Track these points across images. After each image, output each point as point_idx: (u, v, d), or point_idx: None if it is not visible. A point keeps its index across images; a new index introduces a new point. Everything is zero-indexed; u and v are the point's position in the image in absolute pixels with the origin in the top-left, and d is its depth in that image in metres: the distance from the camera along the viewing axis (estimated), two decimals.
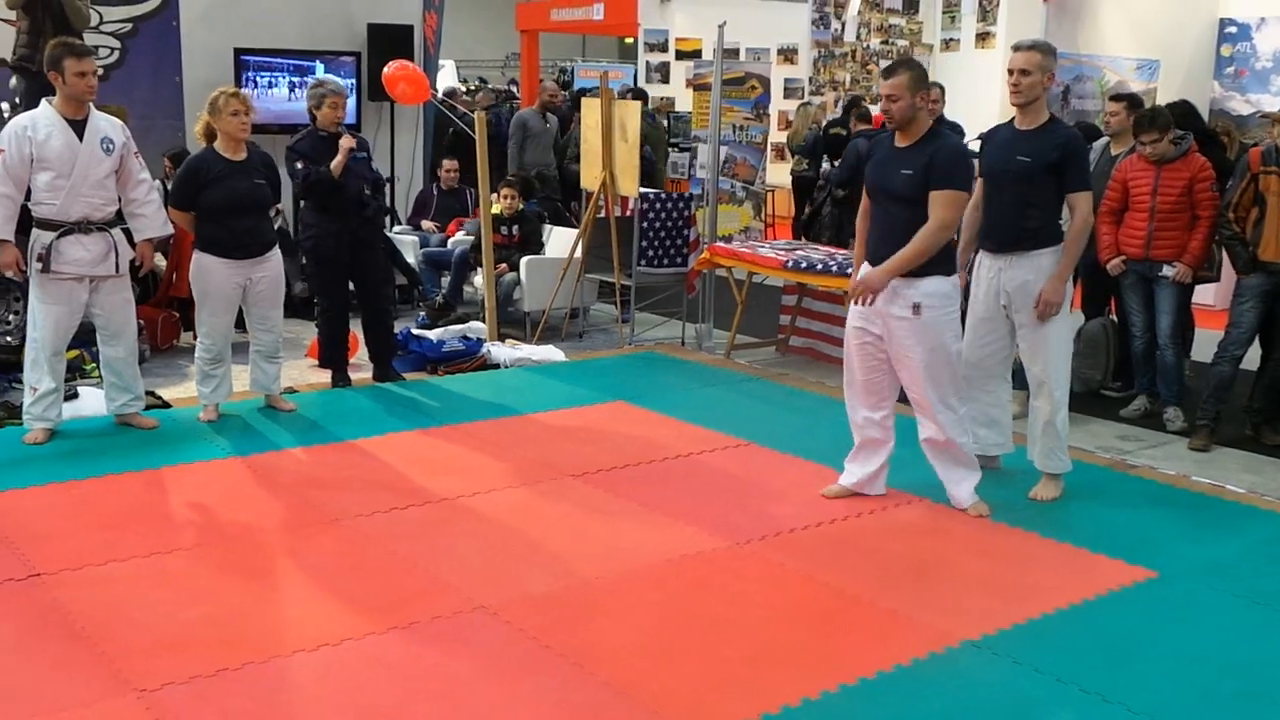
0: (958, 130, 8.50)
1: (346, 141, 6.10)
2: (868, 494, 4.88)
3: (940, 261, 4.52)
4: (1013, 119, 4.89)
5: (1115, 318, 6.93)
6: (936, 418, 4.64)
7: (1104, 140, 6.99)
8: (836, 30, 12.58)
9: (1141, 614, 3.88)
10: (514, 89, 19.68)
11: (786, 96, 13.81)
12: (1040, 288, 4.75)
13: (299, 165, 6.10)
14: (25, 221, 5.25)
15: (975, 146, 8.96)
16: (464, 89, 17.84)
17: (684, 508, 4.74)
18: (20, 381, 6.36)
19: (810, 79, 12.60)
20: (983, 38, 12.81)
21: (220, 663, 3.34)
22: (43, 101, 5.21)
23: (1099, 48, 13.70)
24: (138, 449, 5.36)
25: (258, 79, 9.25)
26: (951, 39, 13.10)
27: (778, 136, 12.95)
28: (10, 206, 5.12)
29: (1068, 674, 3.43)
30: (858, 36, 12.77)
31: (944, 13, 13.09)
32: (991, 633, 3.68)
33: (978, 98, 11.73)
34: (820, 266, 7.05)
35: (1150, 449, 5.97)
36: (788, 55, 14.39)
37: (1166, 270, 6.17)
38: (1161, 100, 10.56)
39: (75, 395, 5.91)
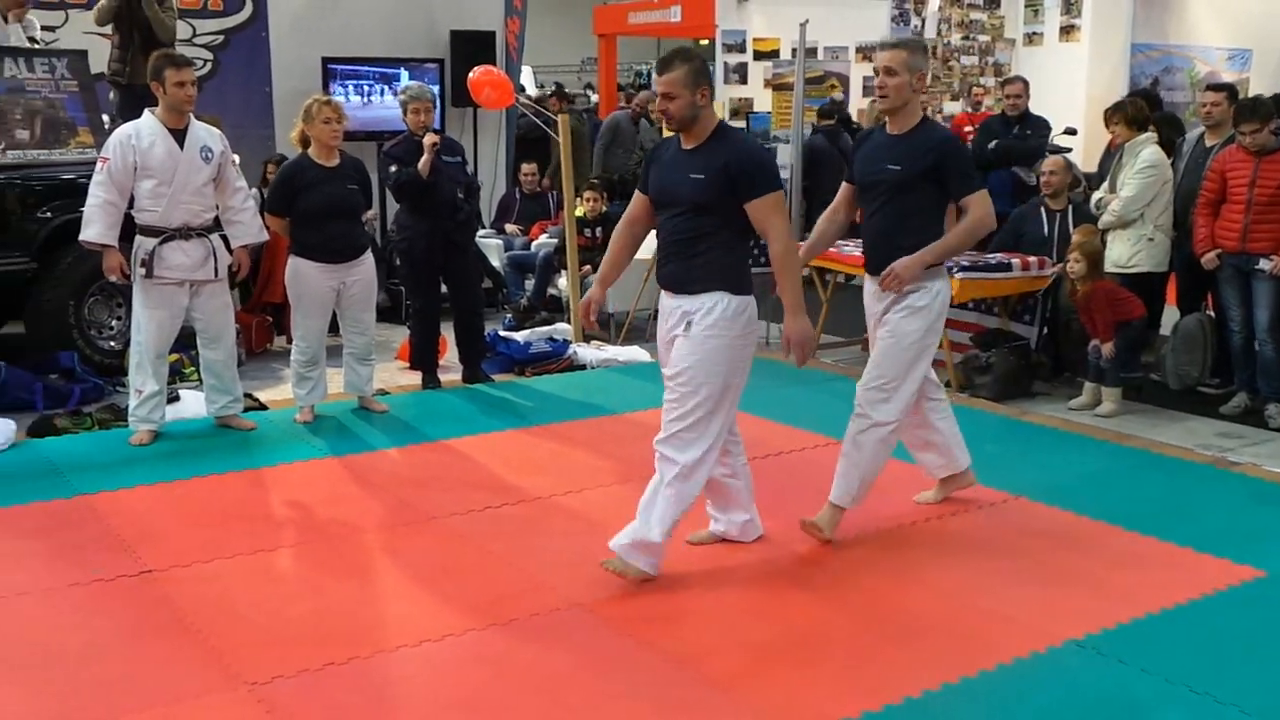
0: (1044, 127, 8.41)
1: (430, 139, 6.19)
2: (740, 540, 4.30)
3: (722, 276, 3.90)
4: (885, 123, 4.35)
5: (1212, 313, 6.78)
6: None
7: (1197, 132, 6.86)
8: (916, 27, 12.44)
9: (1251, 614, 3.79)
10: (590, 93, 19.78)
11: (865, 94, 13.70)
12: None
13: (392, 168, 6.21)
14: (129, 228, 5.41)
15: (1065, 141, 8.89)
16: (540, 93, 17.95)
17: (775, 506, 4.71)
18: (124, 385, 6.55)
19: None
20: (1067, 31, 12.60)
21: (326, 657, 3.40)
22: (146, 112, 5.36)
23: (1188, 38, 13.38)
24: (238, 450, 5.49)
25: (345, 87, 9.41)
26: (1035, 33, 12.89)
27: None
28: (115, 214, 5.28)
29: (1176, 674, 3.37)
30: (938, 32, 12.62)
31: (1027, 6, 12.90)
32: (1095, 632, 3.62)
33: (1062, 93, 11.54)
34: None
35: (1252, 446, 5.82)
36: (866, 53, 14.27)
37: (1263, 264, 6.03)
38: (1254, 91, 10.30)
39: (176, 398, 6.06)
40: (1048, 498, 4.78)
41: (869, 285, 4.45)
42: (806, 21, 7.90)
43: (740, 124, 11.69)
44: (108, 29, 7.78)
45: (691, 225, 3.88)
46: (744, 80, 14.69)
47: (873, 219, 4.34)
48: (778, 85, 11.95)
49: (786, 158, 8.55)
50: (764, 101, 13.27)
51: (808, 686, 3.31)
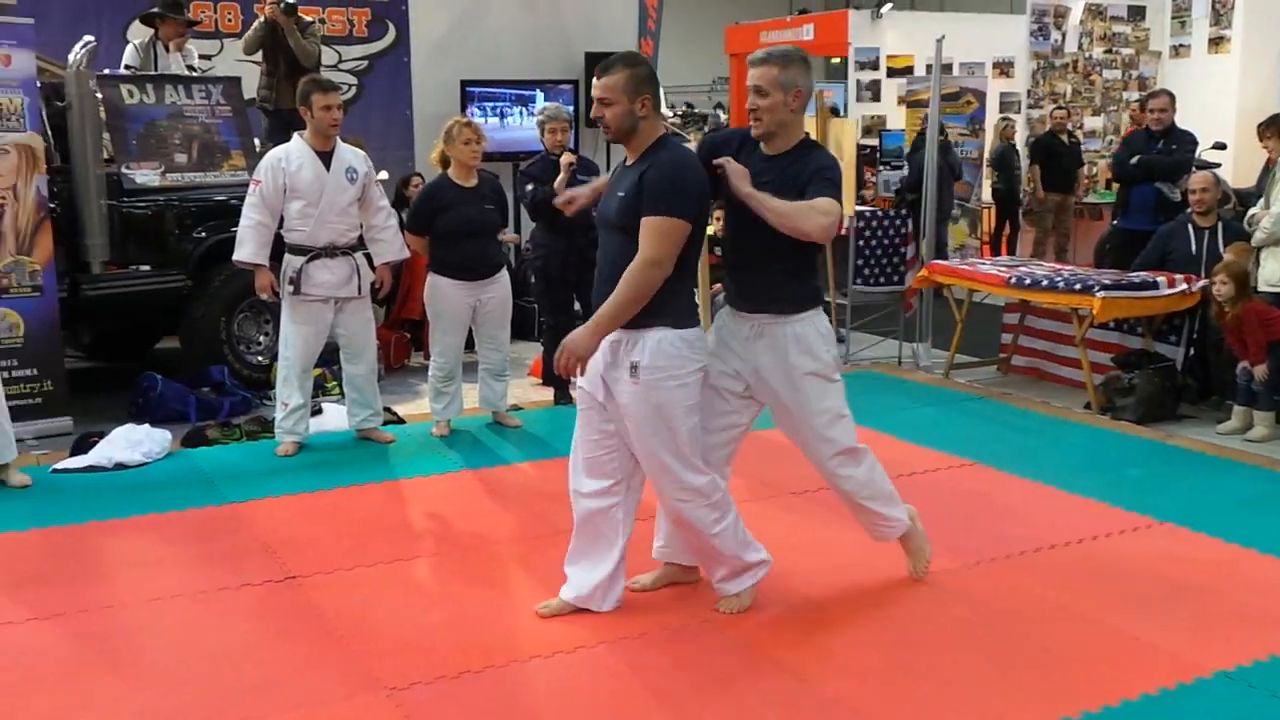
0: (1190, 141, 8.14)
1: (566, 159, 6.29)
2: (596, 610, 3.83)
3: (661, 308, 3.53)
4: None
5: None
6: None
7: None
8: (1057, 41, 12.17)
9: None
10: (720, 113, 19.82)
11: (1002, 110, 13.46)
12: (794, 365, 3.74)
13: (528, 187, 6.34)
14: (277, 248, 5.63)
15: (1213, 156, 8.58)
16: (672, 114, 18.08)
17: None
18: (270, 398, 6.80)
19: (1029, 91, 12.24)
20: (1216, 43, 12.16)
21: (462, 665, 3.47)
22: (295, 135, 5.58)
23: None
24: (377, 462, 5.65)
25: (482, 108, 9.63)
26: (1181, 45, 12.48)
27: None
28: (266, 234, 5.50)
29: None
30: (1079, 46, 12.33)
31: (1173, 18, 12.50)
32: (1246, 664, 3.49)
33: (1210, 107, 11.15)
34: (1045, 283, 6.83)
35: None
36: (1003, 68, 14.03)
37: None
38: None
39: (319, 411, 6.26)
40: (1194, 524, 4.62)
41: (735, 321, 3.90)
42: (943, 37, 7.80)
43: (873, 142, 11.61)
44: (256, 56, 8.11)
45: (620, 248, 3.51)
46: (876, 98, 14.60)
47: (739, 242, 3.85)
48: (911, 102, 11.82)
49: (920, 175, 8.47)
50: (897, 119, 13.15)
51: (938, 710, 3.26)
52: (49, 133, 6.28)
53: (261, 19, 7.94)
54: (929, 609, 3.93)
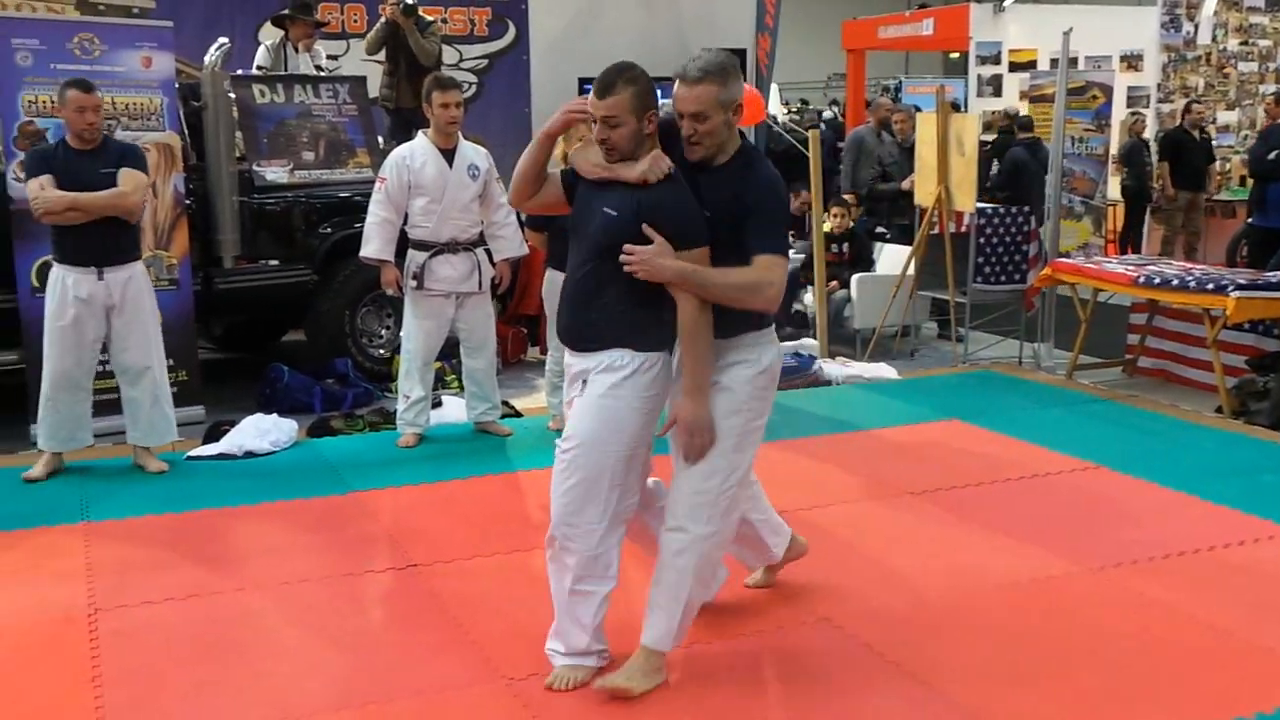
0: None
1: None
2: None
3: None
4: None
5: None
6: None
7: None
8: (1189, 33, 11.79)
9: None
10: (835, 109, 19.64)
11: (1129, 105, 13.09)
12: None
13: None
14: (401, 244, 5.75)
15: None
16: (785, 111, 17.96)
17: (1030, 530, 4.58)
18: (391, 390, 6.96)
19: (1159, 85, 11.88)
20: None
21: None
22: (419, 133, 5.69)
23: None
24: (496, 454, 5.74)
25: None
26: None
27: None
28: (391, 230, 5.63)
29: None
30: (1213, 39, 11.92)
31: None
32: None
33: None
34: (1176, 283, 6.63)
35: None
36: (1131, 62, 13.64)
37: None
38: None
39: (439, 403, 6.38)
40: None
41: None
42: (1070, 30, 7.62)
43: (991, 138, 11.39)
44: (379, 55, 8.30)
45: (609, 273, 3.17)
46: (998, 93, 14.31)
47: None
48: (1035, 97, 11.56)
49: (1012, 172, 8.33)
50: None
51: (1064, 718, 3.20)
52: (186, 132, 6.51)
53: (383, 20, 8.12)
54: (1053, 614, 3.85)
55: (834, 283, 8.20)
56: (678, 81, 3.15)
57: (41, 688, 3.41)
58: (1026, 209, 8.16)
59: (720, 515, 3.32)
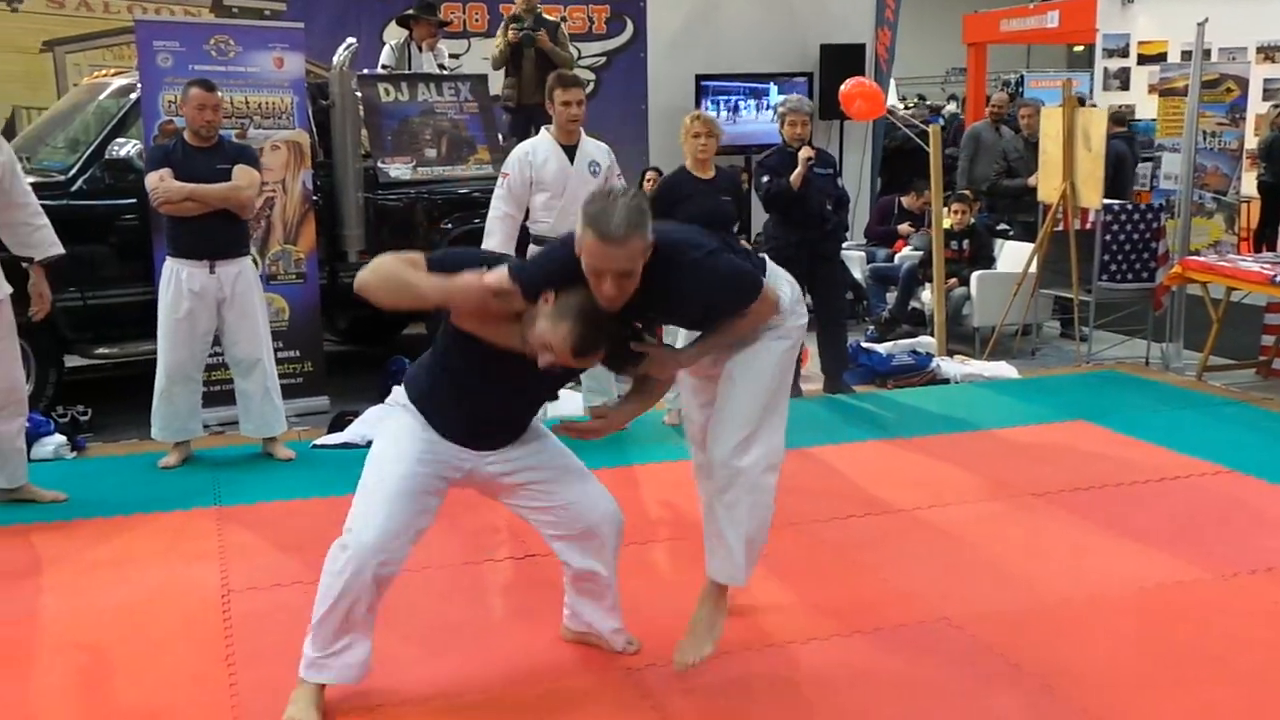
0: None
1: (804, 153, 6.28)
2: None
3: None
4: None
5: None
6: None
7: None
8: None
9: None
10: (955, 104, 19.31)
11: (1266, 98, 12.62)
12: None
13: (764, 179, 6.36)
14: (521, 239, 5.83)
15: None
16: (902, 106, 17.71)
17: (1159, 534, 4.46)
18: None
19: None
20: None
21: None
22: (542, 129, 5.77)
23: None
24: (611, 447, 5.75)
25: (715, 103, 9.71)
26: None
27: (1254, 143, 11.88)
28: (513, 225, 5.71)
29: None
30: None
31: None
32: None
33: None
34: None
35: None
36: (1269, 53, 13.14)
37: None
38: None
39: (555, 396, 6.44)
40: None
41: None
42: (1205, 21, 7.38)
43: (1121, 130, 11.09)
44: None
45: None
46: (1125, 86, 13.94)
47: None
48: (1164, 90, 11.20)
49: (1174, 167, 8.03)
50: (1146, 108, 12.50)
51: None
52: (314, 130, 6.69)
53: (505, 40, 8.20)
54: (1182, 621, 3.75)
55: (953, 280, 8.08)
56: (597, 238, 2.80)
57: (178, 666, 3.54)
58: (1156, 206, 7.93)
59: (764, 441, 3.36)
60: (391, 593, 3.87)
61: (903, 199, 9.73)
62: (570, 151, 5.66)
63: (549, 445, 3.42)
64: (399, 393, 3.28)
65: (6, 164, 4.59)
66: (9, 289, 4.65)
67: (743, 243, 8.17)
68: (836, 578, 4.12)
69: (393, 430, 3.26)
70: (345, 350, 8.30)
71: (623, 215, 2.81)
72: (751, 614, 3.80)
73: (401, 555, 3.14)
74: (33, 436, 5.32)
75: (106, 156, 6.16)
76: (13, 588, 4.08)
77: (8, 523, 4.69)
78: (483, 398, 3.15)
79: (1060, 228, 7.78)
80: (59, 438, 5.65)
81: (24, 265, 4.78)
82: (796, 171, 6.23)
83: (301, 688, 3.18)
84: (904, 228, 9.52)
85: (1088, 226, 7.83)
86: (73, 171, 6.14)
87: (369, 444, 5.68)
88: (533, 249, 5.73)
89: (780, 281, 3.33)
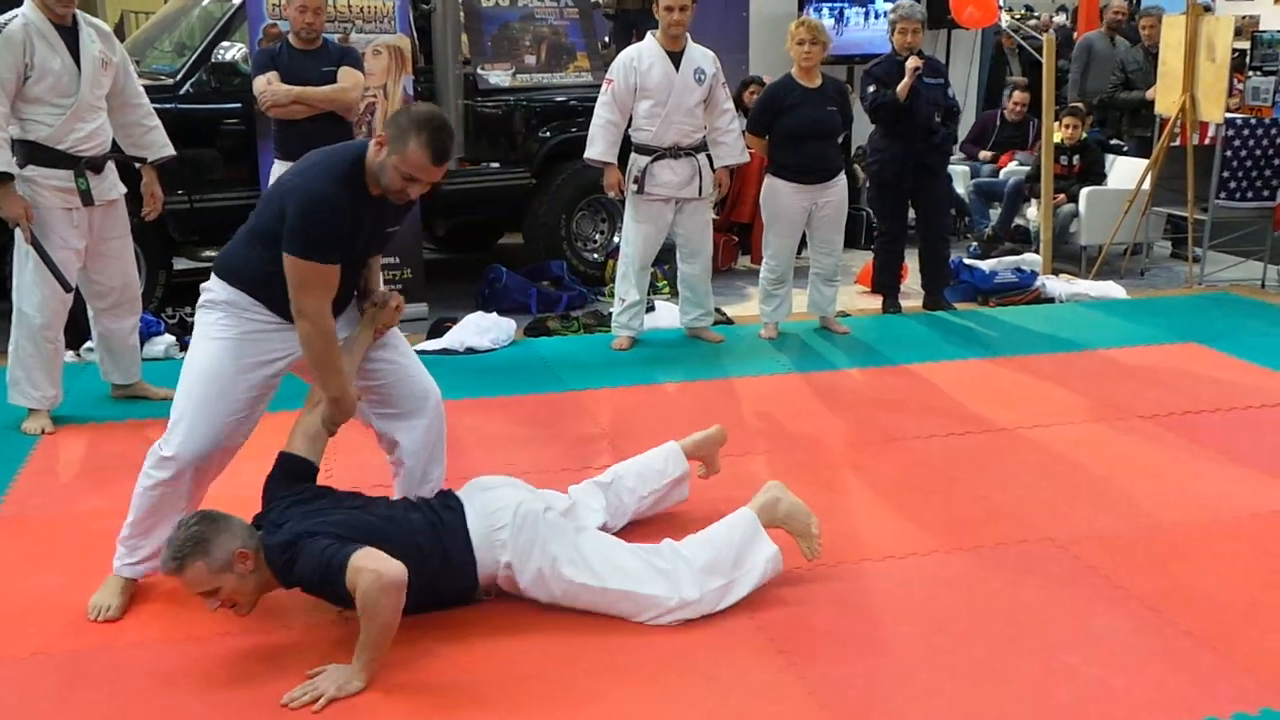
0: None
1: (912, 62, 6.10)
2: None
3: None
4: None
5: None
6: None
7: None
8: None
9: None
10: (1064, 15, 18.59)
11: None
12: None
13: (870, 88, 6.21)
14: (624, 147, 5.78)
15: None
16: (1009, 17, 17.08)
17: (1273, 460, 4.33)
18: (603, 294, 7.07)
19: None
20: None
21: (793, 562, 3.49)
22: (647, 35, 5.68)
23: None
24: (707, 359, 5.77)
25: (819, 11, 9.45)
26: None
27: None
28: (616, 133, 5.66)
29: None
30: None
31: None
32: None
33: None
34: None
35: None
36: None
37: None
38: None
39: (652, 308, 6.44)
40: None
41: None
42: None
43: (1243, 45, 10.58)
44: None
45: None
46: None
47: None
48: None
49: None
50: (1272, 19, 11.91)
51: None
52: (415, 35, 6.66)
53: None
54: None
55: (1061, 196, 7.84)
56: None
57: None
58: None
59: None
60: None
61: (1004, 112, 9.43)
62: (675, 58, 5.57)
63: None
64: (217, 287, 3.21)
65: (121, 64, 4.65)
66: (123, 189, 4.75)
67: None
68: (937, 495, 4.08)
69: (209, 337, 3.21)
70: (443, 258, 8.36)
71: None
72: (849, 529, 3.79)
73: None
74: (144, 336, 5.46)
75: (212, 60, 6.21)
76: (132, 477, 4.20)
77: (124, 417, 4.85)
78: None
79: (1177, 143, 7.50)
80: (168, 338, 5.81)
81: (136, 166, 4.86)
82: (903, 81, 6.06)
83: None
84: (984, 154, 9.23)
85: (1206, 141, 7.54)
86: (180, 75, 6.21)
87: (467, 350, 5.81)
88: (634, 158, 5.70)
89: None
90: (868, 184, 6.92)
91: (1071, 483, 4.17)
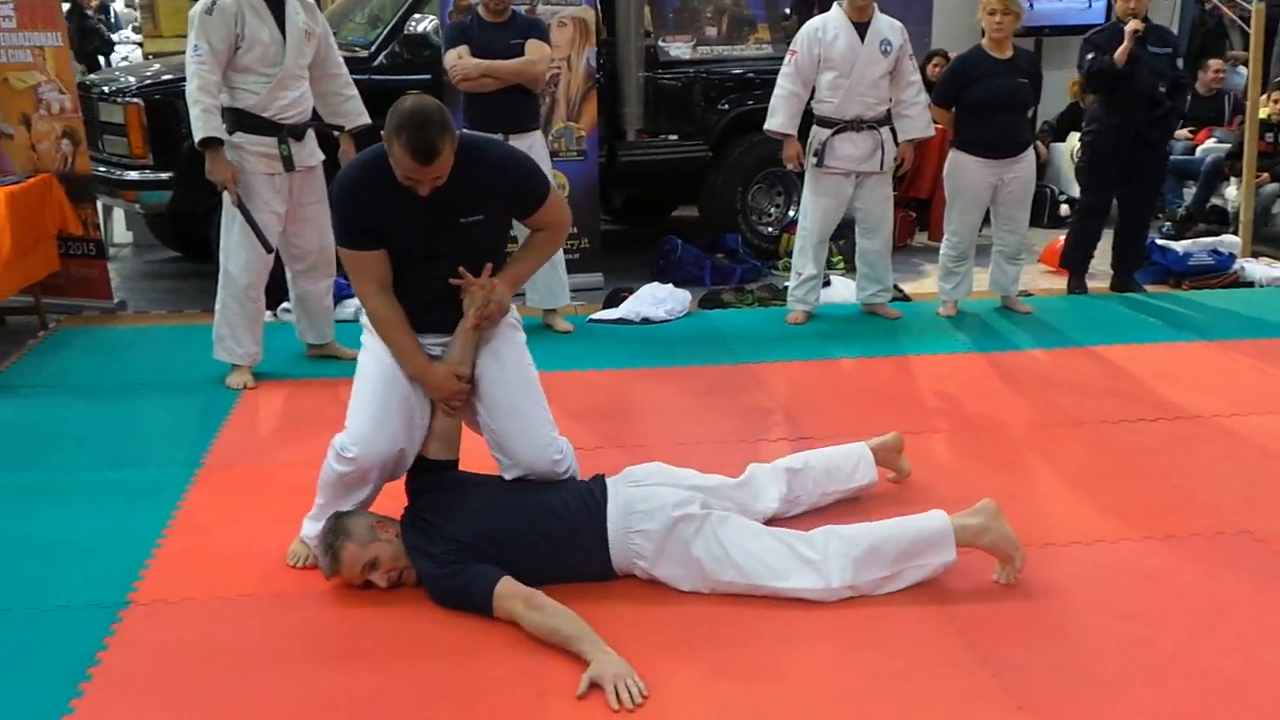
0: None
1: (1132, 25, 5.86)
2: None
3: None
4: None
5: None
6: None
7: None
8: None
9: None
10: None
11: None
12: None
13: (1089, 55, 5.99)
14: (804, 120, 5.72)
15: None
16: None
17: None
18: (777, 268, 7.04)
19: None
20: None
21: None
22: (834, 6, 5.61)
23: None
24: (884, 336, 5.70)
25: None
26: None
27: None
28: (797, 105, 5.61)
29: None
30: None
31: None
32: None
33: None
34: None
35: None
36: None
37: None
38: None
39: (828, 283, 6.39)
40: None
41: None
42: None
43: None
44: None
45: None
46: None
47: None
48: None
49: None
50: None
51: None
52: (599, 6, 6.73)
53: None
54: None
55: (1264, 175, 7.45)
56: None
57: None
58: None
59: None
60: (674, 462, 3.91)
61: (1198, 86, 8.98)
62: (861, 29, 5.48)
63: (504, 357, 3.36)
64: None
65: (323, 35, 4.84)
66: (321, 156, 4.95)
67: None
68: (1125, 481, 3.94)
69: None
70: (619, 229, 8.45)
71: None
72: (1032, 513, 3.70)
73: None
74: (337, 298, 5.67)
75: (405, 33, 6.40)
76: (325, 432, 4.37)
77: (317, 375, 5.07)
78: (414, 279, 3.23)
79: None
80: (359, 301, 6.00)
81: (334, 134, 5.05)
82: (1122, 46, 5.81)
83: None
84: (1181, 131, 8.76)
85: None
86: (374, 47, 6.42)
87: (643, 320, 5.87)
88: (815, 130, 5.64)
89: None
90: (1078, 154, 6.65)
91: (1273, 475, 3.98)
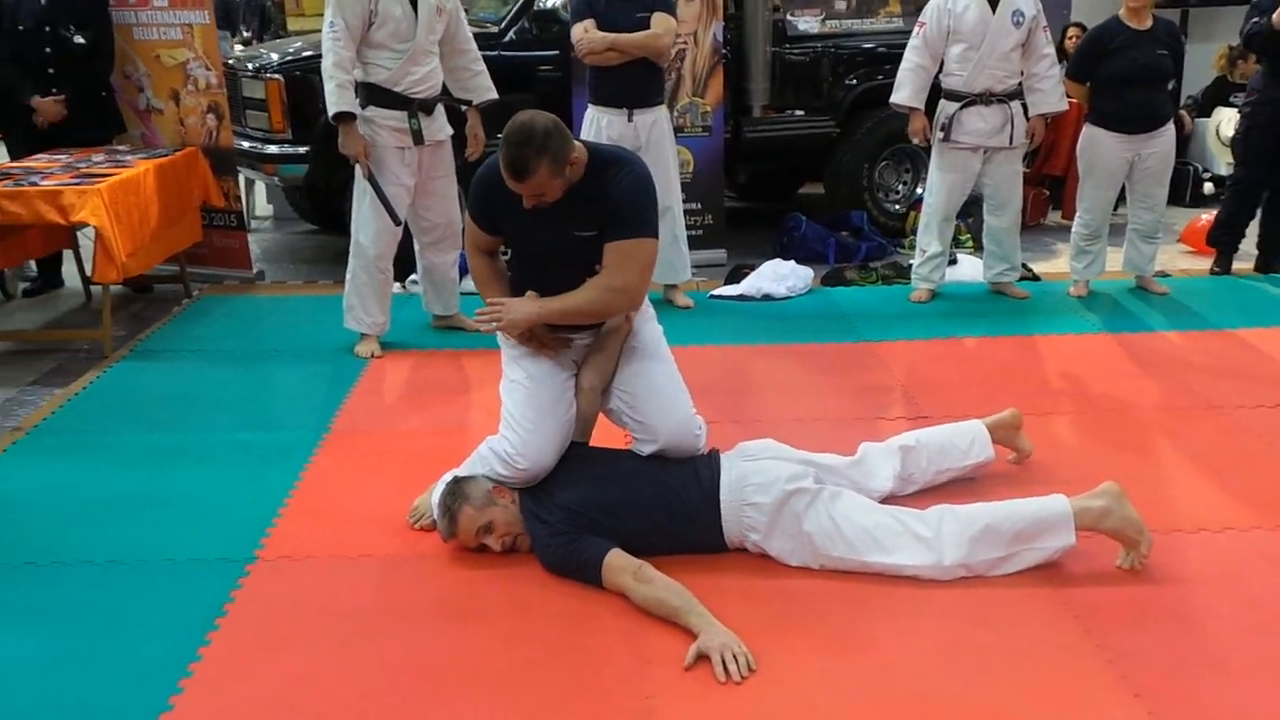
0: None
1: None
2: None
3: None
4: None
5: None
6: None
7: None
8: None
9: None
10: None
11: None
12: None
13: (1253, 19, 5.74)
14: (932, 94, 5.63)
15: None
16: None
17: None
18: (902, 246, 6.94)
19: None
20: None
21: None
22: None
23: None
24: (1010, 316, 5.58)
25: None
26: None
27: None
28: (925, 78, 5.51)
29: None
30: None
31: None
32: None
33: None
34: None
35: None
36: None
37: None
38: None
39: (954, 261, 6.27)
40: None
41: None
42: None
43: None
44: None
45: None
46: None
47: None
48: None
49: None
50: None
51: None
52: None
53: None
54: None
55: None
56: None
57: None
58: None
59: None
60: (787, 439, 3.93)
61: None
62: (993, 1, 5.35)
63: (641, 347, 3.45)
64: None
65: (453, 11, 4.94)
66: (450, 131, 5.05)
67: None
68: (1261, 469, 3.80)
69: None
70: (743, 206, 8.42)
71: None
72: (1157, 497, 3.59)
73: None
74: (463, 270, 5.79)
75: (535, 8, 6.47)
76: (448, 401, 4.53)
77: (442, 346, 5.19)
78: (536, 273, 3.35)
79: None
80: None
81: (462, 109, 5.15)
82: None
83: None
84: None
85: None
86: (504, 23, 6.51)
87: (764, 297, 5.85)
88: (943, 104, 5.54)
89: None
90: (1224, 129, 6.38)
91: None
